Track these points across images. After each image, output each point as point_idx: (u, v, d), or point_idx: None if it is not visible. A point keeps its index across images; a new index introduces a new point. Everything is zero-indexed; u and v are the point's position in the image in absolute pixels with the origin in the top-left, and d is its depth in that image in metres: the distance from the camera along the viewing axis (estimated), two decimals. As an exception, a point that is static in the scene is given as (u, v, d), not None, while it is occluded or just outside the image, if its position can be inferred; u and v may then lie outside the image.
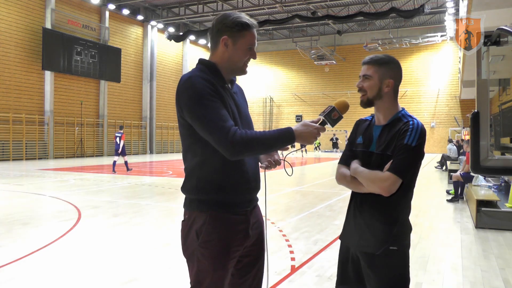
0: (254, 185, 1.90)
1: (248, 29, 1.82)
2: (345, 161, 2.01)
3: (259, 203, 2.03)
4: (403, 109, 1.95)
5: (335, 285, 2.06)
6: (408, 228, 1.91)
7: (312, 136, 1.74)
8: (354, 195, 1.99)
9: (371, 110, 2.01)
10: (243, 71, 1.89)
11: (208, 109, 1.70)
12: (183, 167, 1.90)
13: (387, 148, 1.84)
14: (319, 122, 1.80)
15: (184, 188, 1.88)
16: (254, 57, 1.89)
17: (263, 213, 2.06)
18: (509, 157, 4.83)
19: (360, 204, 1.93)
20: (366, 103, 1.94)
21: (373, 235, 1.86)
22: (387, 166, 1.79)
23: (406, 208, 1.90)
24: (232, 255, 1.82)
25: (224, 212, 1.81)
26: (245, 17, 1.85)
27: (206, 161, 1.79)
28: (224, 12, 1.92)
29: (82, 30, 24.82)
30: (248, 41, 1.83)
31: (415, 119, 1.87)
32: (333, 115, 1.80)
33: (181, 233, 1.89)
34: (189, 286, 1.86)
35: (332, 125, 1.82)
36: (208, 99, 1.71)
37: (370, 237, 1.86)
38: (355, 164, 1.92)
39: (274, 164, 1.98)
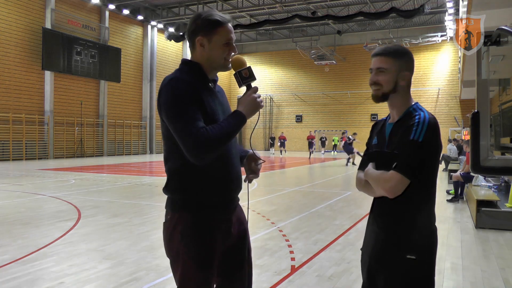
0: (236, 185, 1.91)
1: (220, 25, 1.82)
2: (362, 166, 1.87)
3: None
4: (416, 103, 1.80)
5: None
6: (432, 236, 1.73)
7: (253, 101, 1.81)
8: (373, 200, 1.85)
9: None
10: (225, 67, 1.89)
11: (180, 114, 1.71)
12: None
13: (396, 146, 1.70)
14: (246, 89, 1.85)
15: (166, 189, 1.88)
16: (234, 51, 1.87)
17: (245, 214, 2.05)
18: (509, 157, 4.82)
19: (375, 209, 1.81)
20: (380, 98, 1.79)
21: (388, 242, 1.72)
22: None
23: (426, 212, 1.72)
24: (216, 253, 1.84)
25: (208, 212, 1.82)
26: (216, 14, 1.85)
27: (189, 162, 1.77)
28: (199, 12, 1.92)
29: (82, 30, 24.81)
30: (222, 37, 1.83)
31: (423, 111, 1.71)
32: (244, 74, 1.84)
33: (163, 234, 1.88)
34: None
35: (254, 79, 1.85)
36: (184, 102, 1.73)
37: (385, 244, 1.72)
38: (368, 167, 1.80)
39: (255, 176, 1.97)
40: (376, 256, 1.76)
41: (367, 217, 1.93)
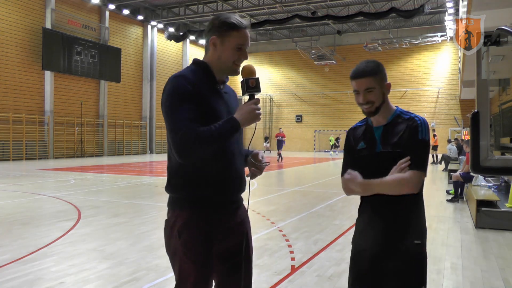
0: (237, 185, 1.92)
1: (235, 29, 1.83)
2: (347, 170, 1.97)
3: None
4: (397, 107, 2.01)
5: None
6: (425, 220, 1.96)
7: (251, 112, 1.78)
8: (365, 198, 1.97)
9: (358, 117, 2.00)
10: (234, 71, 1.90)
11: (173, 111, 1.74)
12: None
13: (396, 145, 1.87)
14: (248, 99, 1.84)
15: (167, 187, 1.92)
16: (245, 58, 1.89)
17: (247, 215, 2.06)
18: (509, 157, 4.82)
19: (377, 205, 1.91)
20: (374, 112, 1.93)
21: (398, 231, 1.87)
22: (402, 163, 1.81)
23: (422, 200, 1.94)
24: (214, 253, 1.85)
25: (206, 211, 1.84)
26: (234, 17, 1.86)
27: None
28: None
29: (82, 30, 24.82)
30: (235, 40, 1.84)
31: (416, 114, 1.95)
32: (251, 84, 1.82)
33: (164, 231, 1.92)
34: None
35: (259, 91, 1.84)
36: (179, 99, 1.74)
37: (396, 233, 1.87)
38: (359, 179, 1.86)
39: (259, 172, 1.98)
40: (386, 245, 1.88)
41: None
